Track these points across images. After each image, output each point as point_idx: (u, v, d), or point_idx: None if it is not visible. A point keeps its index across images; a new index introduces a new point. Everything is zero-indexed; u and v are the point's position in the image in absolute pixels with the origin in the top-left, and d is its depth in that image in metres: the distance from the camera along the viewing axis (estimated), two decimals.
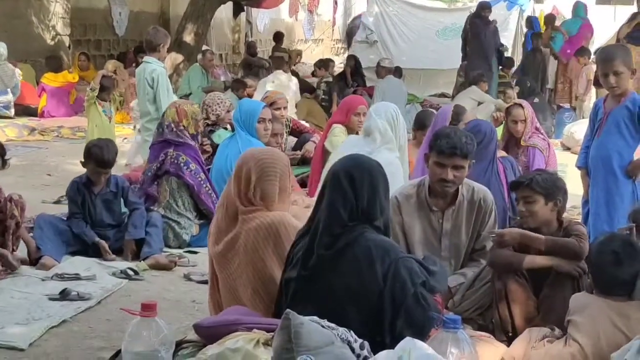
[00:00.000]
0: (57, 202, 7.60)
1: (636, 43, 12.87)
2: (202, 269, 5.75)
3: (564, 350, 3.73)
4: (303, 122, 10.28)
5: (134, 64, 13.74)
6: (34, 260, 5.75)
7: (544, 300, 4.23)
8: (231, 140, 7.06)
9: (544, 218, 4.40)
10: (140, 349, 3.16)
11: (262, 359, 3.30)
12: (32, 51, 14.57)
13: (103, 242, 6.03)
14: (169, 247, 6.39)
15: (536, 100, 13.95)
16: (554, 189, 4.41)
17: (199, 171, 6.55)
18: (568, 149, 11.75)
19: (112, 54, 16.41)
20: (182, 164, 6.50)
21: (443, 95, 18.03)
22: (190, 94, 12.64)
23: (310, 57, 23.05)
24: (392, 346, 3.18)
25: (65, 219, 6.25)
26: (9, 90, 12.74)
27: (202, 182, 6.55)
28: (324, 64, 15.56)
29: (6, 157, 5.90)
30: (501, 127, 8.22)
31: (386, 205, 3.72)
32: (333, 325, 3.31)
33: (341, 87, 15.29)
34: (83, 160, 6.27)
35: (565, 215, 4.67)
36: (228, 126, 8.11)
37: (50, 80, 13.55)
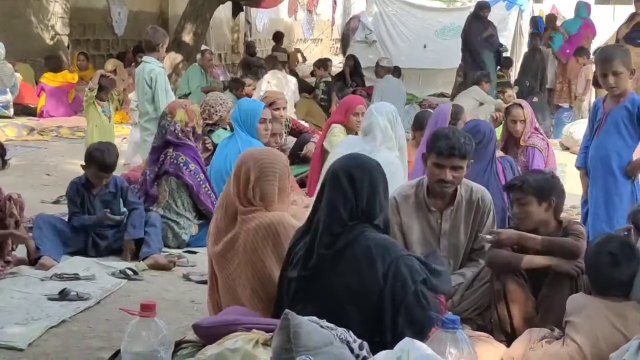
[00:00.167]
0: (56, 202, 7.61)
1: (635, 44, 12.90)
2: (201, 269, 5.75)
3: (562, 350, 3.74)
4: (302, 122, 10.29)
5: (133, 64, 13.74)
6: (33, 261, 5.75)
7: (542, 301, 4.23)
8: (230, 140, 7.06)
9: (539, 219, 4.40)
10: (139, 349, 3.16)
11: (261, 359, 3.31)
12: (31, 51, 14.56)
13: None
14: (168, 247, 6.39)
15: (535, 99, 13.97)
16: (546, 189, 4.41)
17: (198, 171, 6.55)
18: (567, 148, 11.75)
19: (111, 54, 16.40)
20: (181, 164, 6.50)
21: (442, 95, 18.03)
22: (189, 93, 12.64)
23: (309, 56, 23.03)
24: (392, 345, 3.18)
25: (64, 219, 6.26)
26: (7, 90, 12.74)
27: (201, 182, 6.55)
28: (323, 63, 15.55)
29: (6, 158, 5.90)
30: (500, 127, 8.22)
31: (386, 205, 3.73)
32: (332, 325, 3.31)
33: (340, 87, 15.30)
34: (84, 164, 6.27)
35: (564, 215, 4.67)
36: (227, 126, 8.11)
37: (50, 80, 13.54)
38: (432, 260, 3.89)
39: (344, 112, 7.82)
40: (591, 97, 13.57)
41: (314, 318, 3.29)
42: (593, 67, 12.99)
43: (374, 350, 3.29)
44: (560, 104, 14.86)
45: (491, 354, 3.89)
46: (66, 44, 15.42)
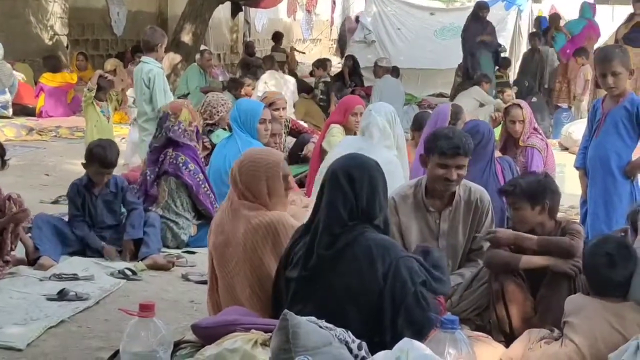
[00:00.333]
0: (55, 202, 7.60)
1: (634, 44, 12.90)
2: (200, 269, 5.76)
3: (561, 351, 3.74)
4: (301, 123, 10.29)
5: (130, 64, 13.73)
6: (32, 261, 5.75)
7: (541, 301, 4.23)
8: (229, 141, 7.06)
9: (534, 222, 4.41)
10: (138, 350, 3.16)
11: (260, 359, 3.31)
12: (30, 51, 14.56)
13: (109, 248, 6.03)
14: (167, 247, 6.39)
15: (534, 100, 13.98)
16: (538, 193, 4.40)
17: (197, 171, 6.55)
18: (566, 149, 11.74)
19: (110, 54, 16.40)
20: (180, 164, 6.50)
21: (441, 95, 18.04)
22: (188, 94, 12.64)
23: (308, 57, 23.04)
24: (391, 346, 3.18)
25: (63, 219, 6.25)
26: (6, 90, 12.73)
27: (200, 182, 6.55)
28: (322, 64, 15.56)
29: (5, 158, 5.90)
30: (499, 127, 8.22)
31: (385, 204, 3.75)
32: (331, 325, 3.31)
33: (339, 87, 15.30)
34: (85, 161, 6.27)
35: (563, 215, 4.67)
36: (226, 126, 8.11)
37: (49, 80, 13.53)
38: (431, 255, 3.90)
39: (342, 113, 7.83)
40: (593, 96, 13.55)
41: (313, 318, 3.29)
42: (591, 68, 13.03)
43: (373, 351, 3.29)
44: (560, 104, 14.86)
45: (490, 355, 3.89)
46: (65, 44, 15.41)
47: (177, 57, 13.77)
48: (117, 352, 3.58)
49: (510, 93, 13.36)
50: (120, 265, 5.77)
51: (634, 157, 5.62)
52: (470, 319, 4.43)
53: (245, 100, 8.31)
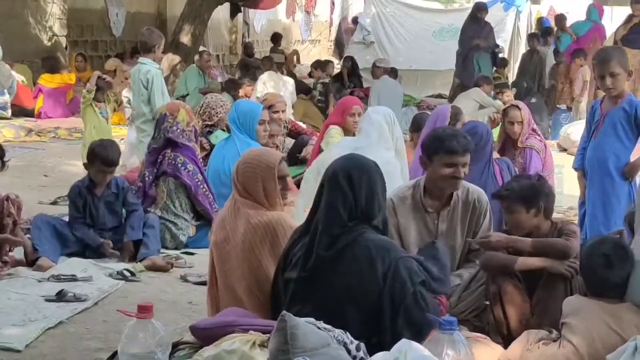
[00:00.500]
0: (54, 203, 7.60)
1: (632, 45, 12.88)
2: (199, 270, 5.76)
3: (559, 352, 3.74)
4: (300, 124, 10.30)
5: (126, 65, 13.74)
6: (30, 262, 5.75)
7: (537, 302, 4.23)
8: (228, 142, 7.07)
9: (529, 225, 4.40)
10: (136, 351, 3.16)
11: None
12: (28, 52, 14.55)
13: (107, 242, 6.03)
14: (166, 248, 6.39)
15: (533, 100, 13.98)
16: (532, 195, 4.40)
17: (196, 172, 6.55)
18: (564, 150, 11.73)
19: (109, 55, 16.39)
20: (179, 165, 6.50)
21: (440, 96, 18.02)
22: (187, 95, 12.64)
23: (307, 58, 23.04)
24: (390, 346, 3.18)
25: (63, 219, 6.24)
26: (5, 91, 12.73)
27: (199, 183, 6.55)
28: (320, 65, 15.56)
29: (5, 159, 5.89)
30: (498, 128, 8.22)
31: (384, 205, 3.77)
32: (329, 326, 3.32)
33: (338, 88, 15.29)
34: (87, 161, 6.26)
35: (560, 216, 4.67)
36: (225, 127, 8.11)
37: (47, 81, 13.53)
38: (431, 253, 3.92)
39: (340, 113, 7.85)
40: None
41: (311, 319, 3.29)
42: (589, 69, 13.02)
43: (372, 351, 3.29)
44: (562, 105, 14.84)
45: (488, 356, 3.89)
46: (64, 45, 15.40)
47: (176, 58, 13.77)
48: (115, 353, 3.59)
49: (510, 94, 13.35)
50: (119, 266, 5.77)
51: (632, 158, 5.63)
52: (468, 319, 4.43)
53: (243, 102, 8.32)
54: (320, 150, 7.50)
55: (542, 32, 17.30)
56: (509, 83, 15.20)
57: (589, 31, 15.74)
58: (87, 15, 16.46)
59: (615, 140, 5.55)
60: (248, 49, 19.07)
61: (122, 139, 10.42)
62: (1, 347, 4.25)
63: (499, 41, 16.79)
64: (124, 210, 6.31)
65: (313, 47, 26.69)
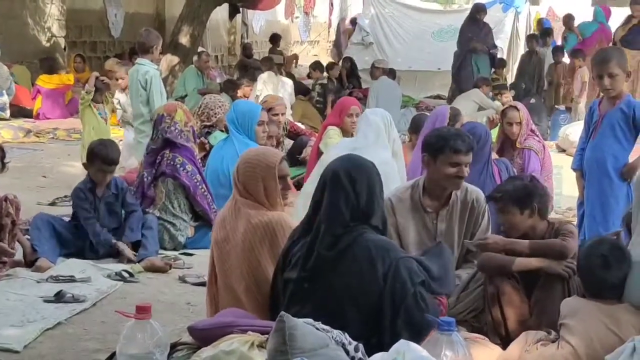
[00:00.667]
0: (52, 204, 7.60)
1: (631, 46, 12.88)
2: (197, 271, 5.76)
3: (557, 353, 3.74)
4: (299, 124, 10.30)
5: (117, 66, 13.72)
6: (29, 262, 5.74)
7: (535, 303, 4.23)
8: (226, 142, 7.06)
9: (525, 226, 4.41)
10: (134, 352, 3.15)
11: None
12: (27, 53, 14.55)
13: (122, 245, 6.00)
14: (164, 249, 6.39)
15: (533, 100, 13.97)
16: (526, 197, 4.40)
17: (195, 172, 6.55)
18: (563, 150, 11.73)
19: (108, 56, 16.36)
20: (178, 165, 6.50)
21: (438, 97, 18.03)
22: (185, 95, 12.63)
23: (306, 58, 23.04)
24: (391, 346, 3.18)
25: (63, 219, 6.22)
26: (4, 91, 12.72)
27: (198, 183, 6.55)
28: (318, 66, 15.56)
29: (5, 161, 5.88)
30: (496, 129, 8.22)
31: (382, 205, 3.79)
32: (327, 327, 3.31)
33: (338, 88, 15.28)
34: (86, 161, 6.25)
35: (559, 217, 4.67)
36: (223, 128, 8.11)
37: (45, 82, 13.53)
38: (436, 253, 3.92)
39: (338, 114, 7.86)
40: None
41: (310, 320, 3.29)
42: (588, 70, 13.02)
43: (372, 352, 3.29)
44: (560, 106, 14.82)
45: (487, 356, 3.89)
46: (63, 46, 15.40)
47: (175, 59, 13.76)
48: (113, 354, 3.58)
49: (508, 95, 13.35)
50: (117, 267, 5.77)
51: (631, 159, 5.63)
52: (466, 320, 4.43)
53: (242, 102, 8.31)
54: (318, 151, 7.50)
55: (542, 32, 17.30)
56: (508, 84, 15.18)
57: (595, 32, 15.71)
58: (85, 16, 16.46)
59: (613, 141, 5.55)
60: (247, 49, 19.07)
61: (121, 140, 10.43)
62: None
63: (497, 42, 16.79)
64: (123, 211, 6.31)
65: (312, 48, 26.69)
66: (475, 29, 15.38)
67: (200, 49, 14.70)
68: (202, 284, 5.35)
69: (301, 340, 3.14)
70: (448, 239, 4.74)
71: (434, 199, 4.75)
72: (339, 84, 15.75)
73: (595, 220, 5.63)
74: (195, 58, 13.82)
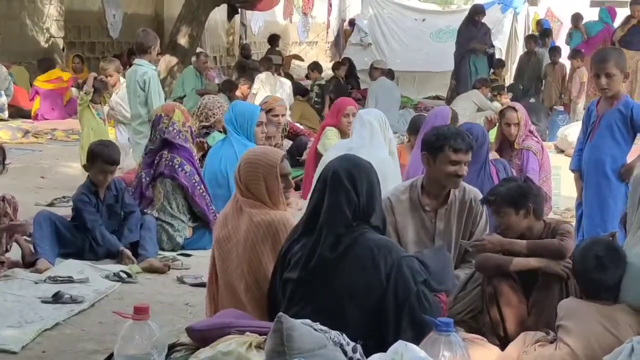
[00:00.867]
0: (51, 204, 7.59)
1: (630, 47, 12.90)
2: (196, 272, 5.76)
3: (555, 353, 3.74)
4: (298, 125, 10.31)
5: (128, 66, 13.72)
6: (27, 263, 5.74)
7: (534, 304, 4.23)
8: (224, 143, 7.06)
9: (521, 227, 4.41)
10: (132, 352, 3.15)
11: None
12: (25, 53, 14.55)
13: (128, 252, 5.99)
14: (163, 249, 6.38)
15: (532, 100, 13.97)
16: (520, 197, 4.39)
17: (193, 173, 6.55)
18: (562, 151, 11.75)
19: (107, 57, 16.37)
20: (176, 166, 6.50)
21: (437, 97, 18.04)
22: (184, 96, 12.62)
23: (304, 59, 23.03)
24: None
25: (66, 218, 6.21)
26: (2, 92, 12.72)
27: (196, 184, 6.54)
28: (317, 66, 15.56)
29: (6, 162, 5.86)
30: (495, 129, 8.22)
31: (381, 204, 3.80)
32: (325, 328, 3.31)
33: (344, 88, 15.21)
34: (87, 163, 6.23)
35: (558, 217, 4.67)
36: (222, 129, 8.10)
37: (43, 83, 13.52)
38: (435, 255, 3.92)
39: (335, 115, 7.87)
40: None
41: (307, 321, 3.29)
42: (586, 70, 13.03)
43: (373, 353, 3.29)
44: (557, 104, 14.82)
45: (485, 357, 3.89)
46: (61, 47, 15.40)
47: (173, 60, 13.76)
48: (111, 355, 3.57)
49: (507, 96, 13.35)
50: (116, 268, 5.76)
51: (629, 159, 5.62)
52: (465, 321, 4.43)
53: (241, 103, 8.31)
54: (316, 152, 7.50)
55: (541, 33, 17.30)
56: (506, 86, 15.19)
57: (600, 32, 15.71)
58: (84, 17, 16.46)
59: (611, 142, 5.55)
60: (245, 50, 19.07)
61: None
62: None
63: (496, 43, 16.79)
64: (122, 212, 6.30)
65: (310, 49, 26.69)
66: (473, 30, 15.38)
67: (198, 49, 14.70)
68: (200, 285, 5.35)
69: (299, 341, 3.14)
70: (446, 237, 4.75)
71: (432, 198, 4.76)
72: (345, 84, 15.73)
73: (594, 221, 5.63)
74: (193, 59, 13.82)
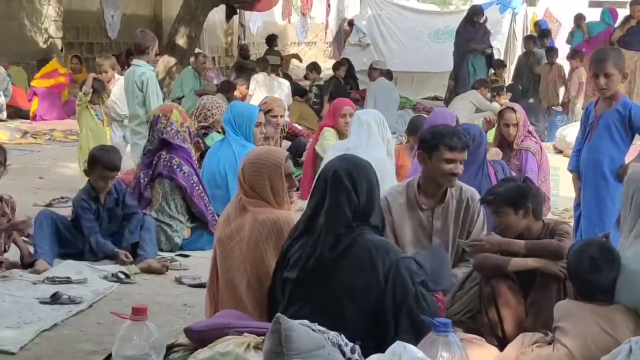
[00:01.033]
0: (49, 205, 7.58)
1: (629, 47, 12.90)
2: (194, 273, 5.76)
3: (553, 354, 3.74)
4: (296, 125, 10.31)
5: (126, 67, 13.72)
6: (25, 264, 5.73)
7: (532, 304, 4.23)
8: (223, 143, 7.06)
9: (519, 227, 4.40)
10: (131, 353, 3.15)
11: None
12: (24, 54, 14.54)
13: (122, 254, 5.97)
14: (161, 250, 6.38)
15: (531, 100, 13.97)
16: (519, 197, 4.39)
17: (191, 173, 6.54)
18: (560, 152, 11.75)
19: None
20: (175, 166, 6.49)
21: (436, 98, 18.04)
22: (182, 96, 12.63)
23: (303, 59, 23.04)
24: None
25: (67, 218, 6.20)
26: (0, 92, 12.71)
27: (194, 184, 6.54)
28: (315, 67, 15.56)
29: (7, 164, 5.85)
30: (493, 129, 8.22)
31: (380, 204, 3.80)
32: (323, 328, 3.31)
33: (343, 88, 15.20)
34: (87, 168, 6.22)
35: (556, 218, 4.67)
36: (220, 129, 8.10)
37: (40, 82, 13.52)
38: (432, 254, 3.92)
39: (332, 115, 7.87)
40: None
41: (306, 321, 3.29)
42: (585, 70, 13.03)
43: (371, 353, 3.28)
44: (553, 104, 14.82)
45: (483, 358, 3.89)
46: (60, 47, 15.40)
47: (172, 60, 13.77)
48: (109, 356, 3.57)
49: (506, 97, 13.36)
50: (114, 268, 5.76)
51: (627, 160, 5.62)
52: (463, 321, 4.43)
53: (239, 103, 8.31)
54: (315, 153, 7.50)
55: (540, 34, 17.31)
56: (505, 86, 15.19)
57: (602, 33, 15.71)
58: (82, 17, 16.45)
59: (609, 142, 5.55)
60: (244, 51, 19.07)
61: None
62: None
63: (494, 43, 16.79)
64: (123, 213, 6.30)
65: (309, 50, 26.70)
66: (471, 31, 15.38)
67: (197, 50, 14.71)
68: (199, 286, 5.35)
69: (297, 342, 3.14)
70: (444, 236, 4.76)
71: (429, 197, 4.77)
72: (346, 84, 15.73)
73: (592, 221, 5.62)
74: (192, 59, 13.83)
